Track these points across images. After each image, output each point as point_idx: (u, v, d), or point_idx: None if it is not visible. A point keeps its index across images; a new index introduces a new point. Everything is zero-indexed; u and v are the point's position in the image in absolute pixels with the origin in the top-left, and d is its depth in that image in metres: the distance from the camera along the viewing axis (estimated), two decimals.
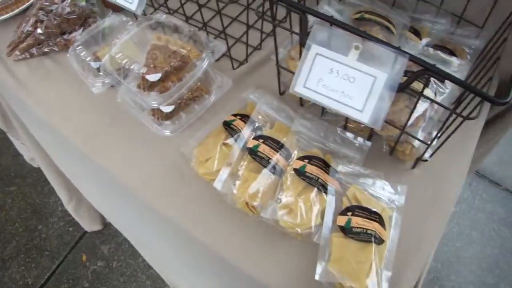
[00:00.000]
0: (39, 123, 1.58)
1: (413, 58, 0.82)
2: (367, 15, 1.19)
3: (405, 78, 0.85)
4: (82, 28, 1.50)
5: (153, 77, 1.10)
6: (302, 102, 1.19)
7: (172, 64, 1.13)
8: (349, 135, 1.07)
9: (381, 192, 1.02)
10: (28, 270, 2.74)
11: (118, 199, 1.50)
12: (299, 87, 0.89)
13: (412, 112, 0.95)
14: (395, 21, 1.20)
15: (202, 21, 1.31)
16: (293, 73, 1.08)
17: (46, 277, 2.69)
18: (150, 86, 1.12)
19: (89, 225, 2.60)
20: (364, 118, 0.86)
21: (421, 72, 0.83)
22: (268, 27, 1.36)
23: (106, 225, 2.67)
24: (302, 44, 0.90)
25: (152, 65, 1.12)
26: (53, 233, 2.86)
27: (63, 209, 2.84)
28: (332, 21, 0.87)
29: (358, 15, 1.21)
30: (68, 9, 1.46)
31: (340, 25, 0.85)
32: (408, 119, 0.97)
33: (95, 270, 2.65)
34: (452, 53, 1.19)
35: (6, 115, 2.02)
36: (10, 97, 1.72)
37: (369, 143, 1.06)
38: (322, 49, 0.86)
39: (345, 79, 0.86)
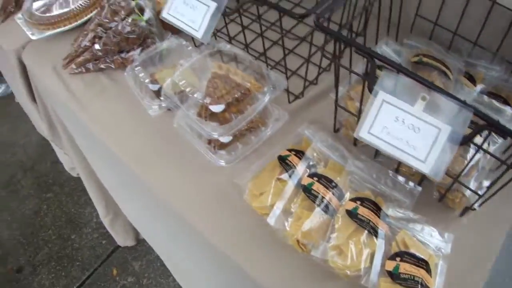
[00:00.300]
0: (88, 137, 1.60)
1: (477, 113, 0.82)
2: (425, 59, 1.20)
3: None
4: (140, 48, 1.52)
5: (217, 108, 1.11)
6: (356, 141, 1.20)
7: (235, 96, 1.14)
8: (401, 179, 1.06)
9: (429, 238, 1.01)
10: (57, 278, 2.76)
11: (160, 220, 1.51)
12: (363, 133, 0.90)
13: (468, 163, 0.96)
14: (451, 66, 1.20)
15: (264, 51, 1.31)
16: (352, 113, 1.10)
17: (75, 287, 2.71)
18: (211, 115, 1.14)
19: (123, 240, 2.61)
20: (426, 169, 0.86)
21: (484, 127, 0.83)
22: (324, 61, 1.37)
23: (140, 241, 2.68)
24: (369, 90, 0.91)
25: (215, 96, 1.14)
26: (85, 244, 2.88)
27: (97, 221, 2.87)
28: (400, 70, 0.87)
29: (416, 59, 1.21)
30: (128, 29, 1.48)
31: (409, 75, 0.86)
32: (463, 170, 0.97)
33: (124, 285, 2.66)
34: (506, 101, 1.18)
35: (52, 124, 2.05)
36: (61, 108, 1.75)
37: (419, 188, 1.05)
38: (389, 97, 0.87)
39: (410, 128, 0.86)
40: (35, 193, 3.21)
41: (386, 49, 1.23)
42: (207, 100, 1.12)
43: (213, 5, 1.12)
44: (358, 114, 1.06)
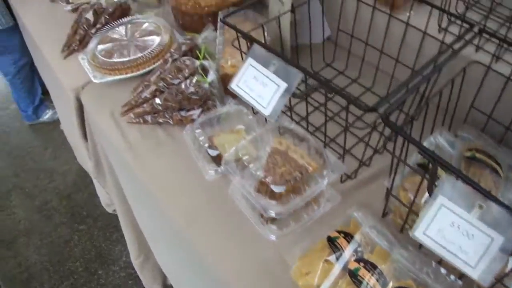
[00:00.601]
0: (135, 184, 1.63)
1: None
2: (478, 155, 1.22)
3: None
4: (200, 108, 1.55)
5: (279, 189, 1.14)
6: (402, 229, 1.21)
7: (295, 177, 1.17)
8: (443, 271, 1.08)
9: None
10: None
11: (197, 275, 1.50)
12: (419, 233, 0.92)
13: None
14: (502, 162, 1.22)
15: (325, 128, 1.33)
16: (405, 205, 1.12)
17: None
18: (270, 192, 1.17)
19: (150, 284, 2.60)
20: (475, 275, 0.88)
21: None
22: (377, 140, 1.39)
23: (166, 287, 2.68)
24: (429, 192, 0.94)
25: (275, 173, 1.17)
26: (111, 281, 2.91)
27: (126, 260, 2.90)
28: (461, 177, 0.89)
29: (469, 154, 1.23)
30: (192, 89, 1.50)
31: (469, 183, 0.88)
32: (507, 273, 0.98)
33: None
34: None
35: (99, 163, 2.10)
36: (112, 151, 1.78)
37: (460, 283, 1.07)
38: (447, 202, 0.89)
39: (464, 234, 0.88)
40: (68, 223, 3.25)
41: (440, 139, 1.26)
42: (269, 180, 1.15)
43: (284, 85, 1.14)
44: (410, 206, 1.09)
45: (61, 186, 3.54)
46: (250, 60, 1.22)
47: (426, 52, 1.43)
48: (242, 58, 1.41)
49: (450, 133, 1.30)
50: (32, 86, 3.94)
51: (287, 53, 1.66)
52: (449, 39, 1.35)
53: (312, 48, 1.66)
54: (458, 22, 1.35)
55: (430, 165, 0.95)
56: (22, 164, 3.83)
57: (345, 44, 1.67)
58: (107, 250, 3.06)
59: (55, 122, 4.01)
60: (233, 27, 1.29)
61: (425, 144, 1.20)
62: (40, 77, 3.35)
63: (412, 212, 1.10)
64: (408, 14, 1.44)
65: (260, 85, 1.19)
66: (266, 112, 1.17)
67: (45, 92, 3.80)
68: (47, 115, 4.16)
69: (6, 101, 4.55)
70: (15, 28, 3.28)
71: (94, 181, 2.64)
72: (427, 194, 1.03)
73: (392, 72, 1.53)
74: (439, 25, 1.43)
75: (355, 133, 1.46)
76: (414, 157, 1.17)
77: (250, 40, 1.26)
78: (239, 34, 1.31)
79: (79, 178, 3.52)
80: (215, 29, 1.70)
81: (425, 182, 1.00)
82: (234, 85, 1.25)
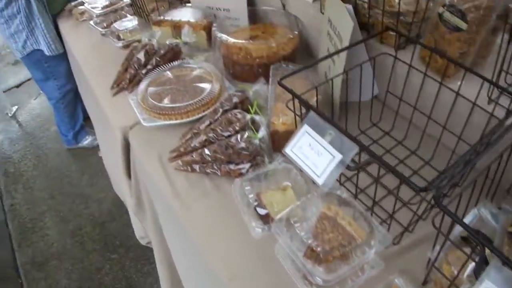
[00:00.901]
0: (176, 227, 1.65)
1: None
2: None
3: None
4: (249, 163, 1.56)
5: (328, 256, 1.17)
6: None
7: (344, 245, 1.19)
8: None
9: None
10: None
11: None
12: None
13: None
14: None
15: (373, 199, 1.33)
16: (447, 278, 1.13)
17: None
18: (318, 258, 1.18)
19: None
20: None
21: None
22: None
23: None
24: (475, 275, 0.96)
25: (326, 243, 1.19)
26: None
27: None
28: (507, 263, 0.90)
29: None
30: (242, 145, 1.53)
31: None
32: None
33: None
34: None
35: (141, 200, 2.12)
36: (157, 195, 1.82)
37: None
38: (492, 286, 0.91)
39: None
40: (101, 250, 3.29)
41: (484, 212, 1.26)
42: (320, 249, 1.17)
43: (339, 157, 1.15)
44: (453, 280, 1.10)
45: (96, 213, 3.59)
46: (306, 127, 1.23)
47: (475, 121, 1.44)
48: (296, 120, 1.43)
49: (494, 205, 1.31)
50: (75, 112, 4.01)
51: (336, 110, 1.69)
52: (498, 109, 1.37)
53: (360, 104, 1.70)
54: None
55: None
56: (59, 187, 3.90)
57: (393, 105, 1.69)
58: (137, 282, 3.09)
59: (94, 148, 4.08)
60: (290, 91, 1.31)
61: (469, 216, 1.22)
62: (82, 102, 3.41)
63: (454, 286, 1.12)
64: (459, 83, 1.46)
65: (315, 154, 1.20)
66: (320, 181, 1.17)
67: (86, 118, 3.87)
68: (86, 141, 4.23)
69: (47, 123, 4.66)
70: (63, 55, 3.35)
71: (130, 213, 2.67)
72: (469, 268, 1.06)
73: (438, 137, 1.54)
74: (489, 97, 1.45)
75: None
76: (458, 228, 1.19)
77: (307, 106, 1.28)
78: (295, 99, 1.34)
79: (114, 207, 3.57)
80: (266, 82, 1.73)
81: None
82: (288, 150, 1.26)
